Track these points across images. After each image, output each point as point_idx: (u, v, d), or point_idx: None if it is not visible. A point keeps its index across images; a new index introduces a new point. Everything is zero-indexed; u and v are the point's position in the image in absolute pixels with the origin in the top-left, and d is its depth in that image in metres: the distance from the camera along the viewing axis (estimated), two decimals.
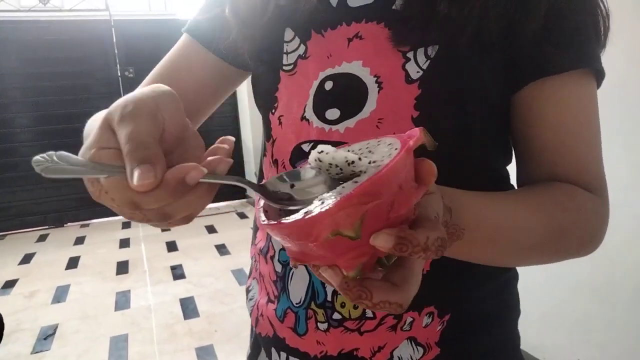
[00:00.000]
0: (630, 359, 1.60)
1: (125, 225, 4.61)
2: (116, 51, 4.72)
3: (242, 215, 4.80)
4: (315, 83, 0.52)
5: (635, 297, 1.57)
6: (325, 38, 0.52)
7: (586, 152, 0.49)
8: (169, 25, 4.74)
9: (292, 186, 0.34)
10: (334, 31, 0.52)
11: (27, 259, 3.85)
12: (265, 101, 0.58)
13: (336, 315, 0.52)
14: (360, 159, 0.30)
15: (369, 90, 0.49)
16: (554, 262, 0.50)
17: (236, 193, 5.14)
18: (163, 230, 4.35)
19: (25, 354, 2.42)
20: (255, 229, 0.66)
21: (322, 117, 0.51)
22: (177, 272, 3.39)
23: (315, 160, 0.32)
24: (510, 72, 0.48)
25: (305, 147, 0.52)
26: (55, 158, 0.30)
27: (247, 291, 0.67)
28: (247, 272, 0.70)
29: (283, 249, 0.57)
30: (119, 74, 4.74)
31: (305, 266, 0.54)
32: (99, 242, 4.19)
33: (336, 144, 0.48)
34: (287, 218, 0.29)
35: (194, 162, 0.32)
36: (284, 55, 0.54)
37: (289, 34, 0.54)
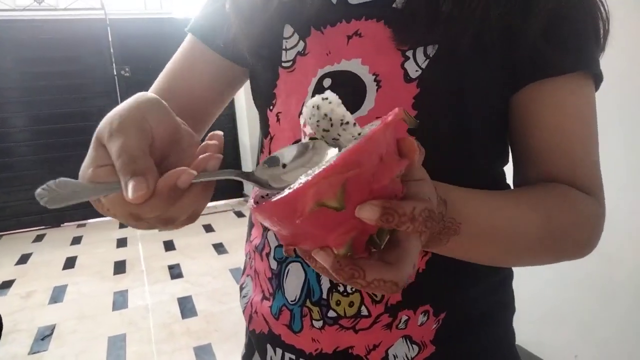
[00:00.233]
0: (629, 356, 1.60)
1: (123, 225, 4.59)
2: (112, 50, 4.70)
3: (240, 214, 4.80)
4: (314, 80, 0.52)
5: (634, 295, 1.57)
6: (324, 35, 0.52)
7: (583, 154, 0.49)
8: (165, 24, 4.72)
9: (284, 166, 0.35)
10: (333, 28, 0.51)
11: (23, 259, 3.84)
12: (264, 98, 0.58)
13: (331, 313, 0.52)
14: (355, 124, 0.31)
15: (367, 88, 0.49)
16: (549, 262, 0.50)
17: (233, 191, 5.13)
18: (160, 230, 4.34)
19: (23, 354, 2.41)
20: (251, 225, 0.65)
21: None
22: (175, 272, 3.39)
23: (314, 106, 0.33)
24: (509, 72, 0.48)
25: None
26: (54, 187, 0.31)
27: (241, 288, 0.66)
28: None
29: (279, 245, 0.57)
30: (115, 73, 4.72)
31: (301, 264, 0.54)
32: (96, 242, 4.18)
33: None
34: (272, 197, 0.29)
35: (192, 161, 0.33)
36: (283, 52, 0.54)
37: (288, 30, 0.54)
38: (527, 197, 0.48)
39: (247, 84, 0.65)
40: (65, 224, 4.74)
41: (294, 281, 0.55)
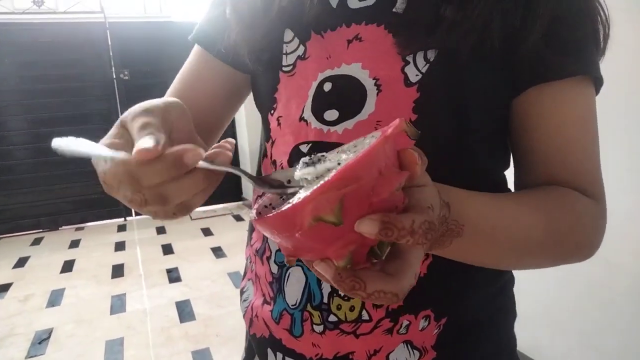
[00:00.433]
0: None
1: (121, 228, 4.59)
2: (111, 53, 4.70)
3: (238, 218, 4.79)
4: (314, 84, 0.52)
5: (632, 299, 1.57)
6: (324, 39, 0.52)
7: (584, 157, 0.50)
8: (164, 27, 4.73)
9: (288, 181, 0.35)
10: (333, 32, 0.52)
11: (21, 262, 3.82)
12: (264, 102, 0.58)
13: (332, 318, 0.52)
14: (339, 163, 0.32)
15: (367, 92, 0.49)
16: (551, 264, 0.50)
17: (232, 195, 5.12)
18: (159, 233, 4.33)
19: (20, 358, 2.40)
20: (251, 229, 0.65)
21: (320, 118, 0.51)
22: (173, 275, 3.38)
23: (309, 163, 0.33)
24: (510, 77, 0.48)
25: (304, 148, 0.52)
26: (71, 139, 0.34)
27: (242, 292, 0.66)
28: None
29: (279, 250, 0.57)
30: (114, 77, 4.72)
31: (302, 268, 0.54)
32: (94, 245, 4.17)
33: (334, 145, 0.48)
34: (275, 208, 0.30)
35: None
36: (284, 56, 0.54)
37: (288, 34, 0.54)
38: (528, 199, 0.48)
39: None
40: (63, 227, 4.72)
41: (294, 285, 0.54)
